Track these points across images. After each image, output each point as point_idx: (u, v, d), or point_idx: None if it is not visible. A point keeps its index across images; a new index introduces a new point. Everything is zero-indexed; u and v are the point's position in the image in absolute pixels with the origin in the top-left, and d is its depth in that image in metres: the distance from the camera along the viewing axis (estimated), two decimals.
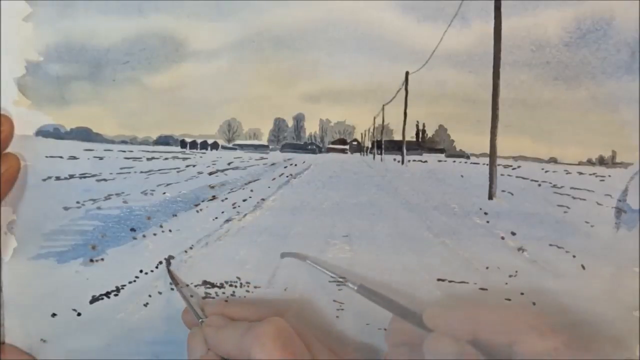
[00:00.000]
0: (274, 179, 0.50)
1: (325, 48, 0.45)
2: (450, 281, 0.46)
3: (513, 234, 0.46)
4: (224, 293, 0.46)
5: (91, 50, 0.45)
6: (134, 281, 0.46)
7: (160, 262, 0.47)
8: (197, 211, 0.47)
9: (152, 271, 0.46)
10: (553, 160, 0.46)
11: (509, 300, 0.45)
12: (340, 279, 0.43)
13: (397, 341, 0.42)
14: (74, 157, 0.46)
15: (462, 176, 0.48)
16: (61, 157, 0.46)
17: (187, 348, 0.42)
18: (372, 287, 0.43)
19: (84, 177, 0.46)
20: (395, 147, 0.49)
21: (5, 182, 0.43)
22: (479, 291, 0.46)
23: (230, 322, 0.42)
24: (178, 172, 0.48)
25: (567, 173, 0.46)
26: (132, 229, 0.46)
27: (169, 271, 0.46)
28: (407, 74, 0.45)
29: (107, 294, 0.46)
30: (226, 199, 0.48)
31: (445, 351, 0.36)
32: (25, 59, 0.45)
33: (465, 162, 0.48)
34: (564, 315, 0.45)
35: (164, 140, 0.47)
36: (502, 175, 0.47)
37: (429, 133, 0.47)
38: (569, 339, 0.36)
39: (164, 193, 0.47)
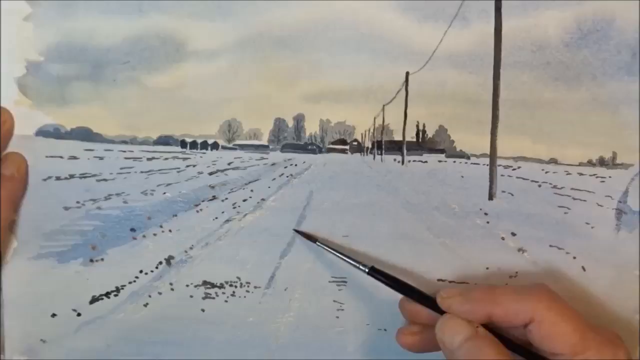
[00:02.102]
0: (274, 179, 0.50)
1: (326, 48, 0.45)
2: (450, 281, 0.46)
3: (513, 234, 0.46)
4: (224, 293, 0.46)
5: (92, 50, 0.45)
6: (134, 281, 0.46)
7: (160, 262, 0.47)
8: (197, 211, 0.47)
9: (152, 271, 0.46)
10: (553, 161, 0.46)
11: None
12: (351, 261, 0.43)
13: (410, 319, 0.42)
14: (74, 157, 0.46)
15: (462, 176, 0.48)
16: (61, 157, 0.46)
17: (442, 340, 0.37)
18: (383, 270, 0.42)
19: (84, 177, 0.46)
20: (395, 147, 0.49)
21: (6, 182, 0.43)
22: None
23: (463, 289, 0.39)
24: (178, 172, 0.48)
25: (567, 174, 0.46)
26: (132, 229, 0.46)
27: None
28: (407, 74, 0.45)
29: (107, 294, 0.46)
30: (226, 199, 0.48)
31: (457, 333, 0.36)
32: (26, 58, 0.45)
33: (466, 163, 0.47)
34: None
35: (164, 140, 0.47)
36: (502, 175, 0.47)
37: (430, 133, 0.47)
38: (588, 321, 0.35)
39: (164, 193, 0.47)
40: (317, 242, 0.45)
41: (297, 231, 0.46)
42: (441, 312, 0.38)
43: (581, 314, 0.36)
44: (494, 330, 0.37)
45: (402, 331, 0.42)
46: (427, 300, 0.40)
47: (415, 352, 0.42)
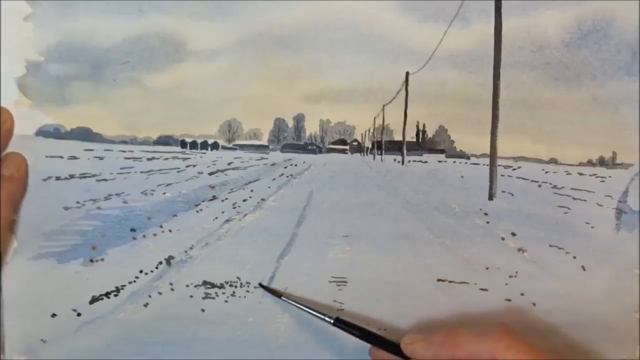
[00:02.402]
0: (274, 179, 0.50)
1: (326, 48, 0.45)
2: (450, 281, 0.46)
3: (513, 234, 0.46)
4: (224, 293, 0.46)
5: (92, 50, 0.45)
6: (134, 281, 0.46)
7: (160, 262, 0.47)
8: (197, 211, 0.47)
9: (152, 271, 0.46)
10: (553, 161, 0.46)
11: (509, 300, 0.45)
12: (316, 314, 0.43)
13: None
14: (74, 157, 0.46)
15: (462, 177, 0.48)
16: (61, 157, 0.46)
17: None
18: (348, 319, 0.43)
19: (84, 177, 0.46)
20: (395, 147, 0.49)
21: (6, 182, 0.43)
22: (479, 291, 0.46)
23: (426, 334, 0.39)
24: (178, 172, 0.48)
25: (567, 174, 0.46)
26: (132, 229, 0.46)
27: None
28: (407, 74, 0.45)
29: (107, 294, 0.46)
30: (226, 199, 0.48)
31: None
32: (26, 59, 0.45)
33: (466, 163, 0.48)
34: (564, 316, 0.45)
35: (164, 140, 0.47)
36: (502, 175, 0.47)
37: (430, 133, 0.47)
38: (548, 354, 0.36)
39: (164, 193, 0.47)
40: (282, 297, 0.45)
41: (262, 286, 0.46)
42: (407, 357, 0.39)
43: (542, 351, 0.36)
44: None
45: None
46: (393, 347, 0.41)
47: None
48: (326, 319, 0.43)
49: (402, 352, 0.40)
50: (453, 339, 0.37)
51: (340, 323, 0.42)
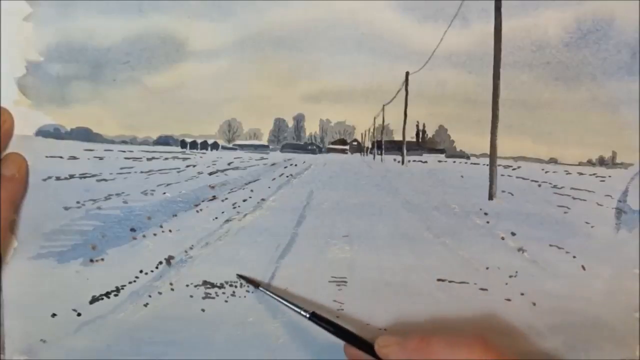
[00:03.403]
0: (274, 179, 0.50)
1: (326, 48, 0.45)
2: (450, 281, 0.46)
3: (513, 234, 0.46)
4: (224, 293, 0.46)
5: (91, 50, 0.45)
6: (134, 281, 0.46)
7: (160, 262, 0.47)
8: (197, 211, 0.47)
9: (152, 271, 0.46)
10: (553, 161, 0.46)
11: (509, 300, 0.45)
12: (292, 307, 0.43)
13: None
14: (74, 157, 0.46)
15: (462, 176, 0.48)
16: (61, 157, 0.46)
17: None
18: (323, 315, 0.43)
19: (84, 177, 0.46)
20: (395, 147, 0.49)
21: (7, 182, 0.43)
22: (479, 291, 0.46)
23: (400, 338, 0.39)
24: (178, 172, 0.48)
25: (567, 174, 0.46)
26: (132, 229, 0.46)
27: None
28: (407, 74, 0.45)
29: (107, 294, 0.46)
30: (226, 199, 0.48)
31: None
32: (26, 58, 0.45)
33: (466, 163, 0.48)
34: (564, 316, 0.45)
35: (164, 140, 0.47)
36: (502, 175, 0.47)
37: (429, 133, 0.47)
38: None
39: (164, 193, 0.47)
40: (260, 288, 0.45)
41: (240, 276, 0.46)
42: (380, 358, 0.39)
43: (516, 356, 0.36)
44: None
45: None
46: (366, 347, 0.41)
47: None
48: (302, 312, 0.43)
49: (375, 353, 0.40)
50: (427, 345, 0.37)
51: (315, 318, 0.42)
